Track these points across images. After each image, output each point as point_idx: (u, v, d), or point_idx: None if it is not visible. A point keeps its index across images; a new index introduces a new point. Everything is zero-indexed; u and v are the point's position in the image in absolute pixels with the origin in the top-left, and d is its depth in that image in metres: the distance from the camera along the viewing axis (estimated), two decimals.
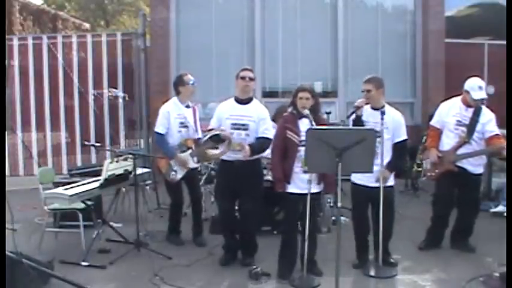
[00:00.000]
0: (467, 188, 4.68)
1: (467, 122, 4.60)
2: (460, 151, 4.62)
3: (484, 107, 4.65)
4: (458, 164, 4.63)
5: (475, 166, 4.65)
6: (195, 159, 5.04)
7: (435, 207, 4.86)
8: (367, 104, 4.26)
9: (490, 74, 9.03)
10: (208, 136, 4.29)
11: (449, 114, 4.73)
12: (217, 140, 4.33)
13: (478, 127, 4.57)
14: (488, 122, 4.56)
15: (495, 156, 4.65)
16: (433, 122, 4.92)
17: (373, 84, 4.27)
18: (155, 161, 5.33)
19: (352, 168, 3.59)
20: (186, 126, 5.00)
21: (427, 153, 4.88)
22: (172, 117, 4.94)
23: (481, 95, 4.55)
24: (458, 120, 4.65)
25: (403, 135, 4.31)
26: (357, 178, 4.31)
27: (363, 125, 4.17)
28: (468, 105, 4.64)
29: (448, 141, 4.71)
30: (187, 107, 5.07)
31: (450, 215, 4.78)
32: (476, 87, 4.56)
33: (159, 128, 4.95)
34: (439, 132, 4.79)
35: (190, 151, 4.95)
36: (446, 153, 4.69)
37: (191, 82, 5.00)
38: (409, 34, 9.04)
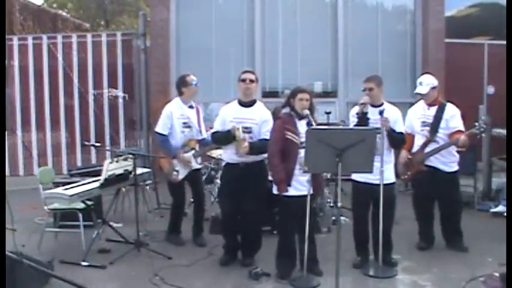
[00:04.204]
0: (444, 187, 4.71)
1: (431, 121, 4.67)
2: (427, 150, 4.69)
3: (448, 104, 4.72)
4: (429, 163, 4.69)
5: (447, 164, 4.69)
6: (198, 159, 5.03)
7: (416, 209, 4.92)
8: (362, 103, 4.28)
9: (490, 74, 9.05)
10: (241, 133, 4.14)
11: (414, 117, 4.85)
12: (222, 141, 4.33)
13: (442, 124, 4.63)
14: (452, 118, 4.63)
15: (460, 149, 4.66)
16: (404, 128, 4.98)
17: (374, 82, 4.32)
18: (156, 160, 5.30)
19: (352, 168, 3.61)
20: (189, 127, 4.99)
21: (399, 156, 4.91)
22: (175, 117, 4.92)
23: (418, 89, 4.72)
24: (422, 121, 4.75)
25: (400, 129, 4.36)
26: (359, 176, 4.31)
27: (368, 122, 4.19)
28: (429, 104, 4.73)
29: (418, 143, 4.79)
30: (191, 107, 5.05)
31: (433, 213, 4.83)
32: (418, 83, 4.77)
33: (160, 128, 4.93)
34: (411, 137, 4.81)
35: (193, 151, 4.94)
36: (414, 154, 4.78)
37: (194, 83, 4.98)
38: (409, 34, 9.04)
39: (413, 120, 4.83)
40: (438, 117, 4.64)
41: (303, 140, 3.91)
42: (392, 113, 4.33)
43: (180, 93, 5.02)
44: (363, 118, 4.23)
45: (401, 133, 4.36)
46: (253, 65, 8.26)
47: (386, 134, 4.18)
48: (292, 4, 8.98)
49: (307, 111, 4.02)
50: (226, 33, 8.85)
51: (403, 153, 4.83)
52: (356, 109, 4.38)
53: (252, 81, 4.35)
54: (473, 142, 4.92)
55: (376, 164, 3.86)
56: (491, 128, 4.87)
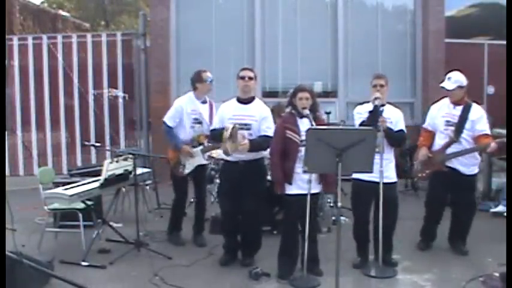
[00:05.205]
0: (460, 189, 4.62)
1: (456, 121, 4.56)
2: (449, 150, 4.59)
3: (474, 104, 4.61)
4: (449, 164, 4.59)
5: (468, 166, 4.59)
6: (206, 155, 5.03)
7: (428, 208, 4.86)
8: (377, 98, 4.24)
9: (490, 74, 9.05)
10: (228, 134, 4.11)
11: (438, 115, 4.73)
12: (220, 139, 4.33)
13: (467, 125, 4.51)
14: (479, 120, 4.51)
15: (487, 154, 4.60)
16: (425, 125, 4.93)
17: (384, 80, 4.34)
18: (164, 154, 5.25)
19: (352, 168, 3.60)
20: (200, 122, 4.99)
21: (417, 153, 4.85)
22: (186, 112, 4.93)
23: (445, 84, 4.58)
24: (447, 121, 4.62)
25: (401, 127, 4.36)
26: (362, 174, 4.27)
27: (378, 118, 4.14)
28: (456, 103, 4.61)
29: (439, 142, 4.68)
30: (204, 102, 5.05)
31: (442, 215, 4.79)
32: (446, 78, 4.63)
33: (168, 120, 4.96)
34: (431, 134, 4.77)
35: (201, 147, 4.94)
36: (435, 153, 4.68)
37: (209, 80, 4.99)
38: (409, 34, 9.03)
39: (437, 118, 4.71)
40: (464, 118, 4.52)
41: (304, 138, 3.92)
42: (394, 113, 4.34)
43: (194, 89, 5.02)
44: (375, 113, 4.16)
45: (401, 130, 4.36)
46: (253, 65, 8.24)
47: (384, 134, 4.16)
48: (292, 4, 8.97)
49: (307, 111, 4.02)
50: (226, 33, 8.84)
51: (424, 151, 4.73)
52: (360, 108, 4.39)
53: (250, 78, 4.37)
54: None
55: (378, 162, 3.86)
56: None
